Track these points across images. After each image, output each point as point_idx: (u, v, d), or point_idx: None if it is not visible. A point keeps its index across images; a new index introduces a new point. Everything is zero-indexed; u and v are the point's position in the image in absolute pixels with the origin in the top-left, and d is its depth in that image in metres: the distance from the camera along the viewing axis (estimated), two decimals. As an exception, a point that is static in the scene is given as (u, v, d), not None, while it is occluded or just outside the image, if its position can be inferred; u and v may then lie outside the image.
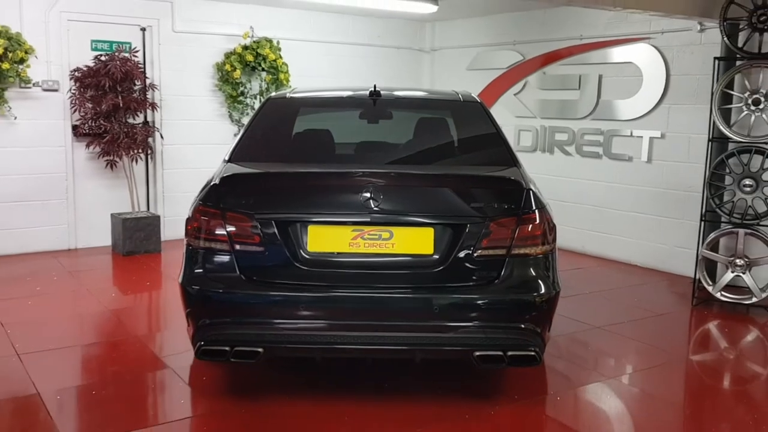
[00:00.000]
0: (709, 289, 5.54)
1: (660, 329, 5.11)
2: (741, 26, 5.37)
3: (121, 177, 7.27)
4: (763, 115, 5.32)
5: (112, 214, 7.22)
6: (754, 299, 5.41)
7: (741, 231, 5.43)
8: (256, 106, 7.85)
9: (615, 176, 7.03)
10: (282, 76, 7.83)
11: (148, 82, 7.14)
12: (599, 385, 4.05)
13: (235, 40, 7.70)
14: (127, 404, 3.71)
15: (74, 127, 7.07)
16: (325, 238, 3.44)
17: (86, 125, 6.93)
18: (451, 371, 4.10)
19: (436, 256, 3.40)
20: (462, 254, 3.38)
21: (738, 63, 5.47)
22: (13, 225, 6.90)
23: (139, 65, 7.00)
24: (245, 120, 7.83)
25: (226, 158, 3.98)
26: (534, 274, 3.45)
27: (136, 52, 7.08)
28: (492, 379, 4.02)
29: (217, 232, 3.46)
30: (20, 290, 5.72)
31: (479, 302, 3.39)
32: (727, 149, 5.52)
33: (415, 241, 3.43)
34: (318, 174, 3.73)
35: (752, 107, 5.33)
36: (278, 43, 7.84)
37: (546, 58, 7.65)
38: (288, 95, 4.60)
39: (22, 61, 6.61)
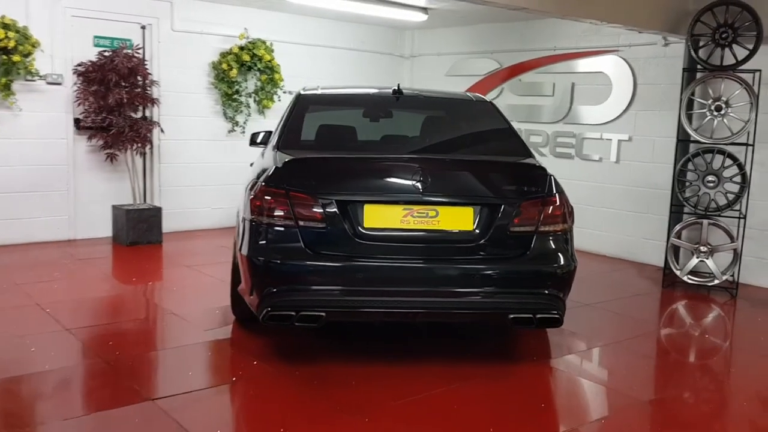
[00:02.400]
0: (677, 273, 6.27)
1: (639, 306, 5.82)
2: (701, 43, 6.10)
3: (120, 170, 7.52)
4: (724, 120, 6.09)
5: (113, 206, 7.47)
6: (716, 281, 6.15)
7: (705, 221, 6.17)
8: (251, 104, 8.25)
9: (586, 175, 7.73)
10: (276, 76, 8.23)
11: (150, 78, 7.42)
12: (600, 348, 4.67)
13: (230, 41, 8.06)
14: (190, 367, 4.10)
15: (76, 121, 7.29)
16: (380, 216, 3.92)
17: (89, 118, 7.16)
18: (471, 336, 4.65)
19: (476, 232, 3.93)
20: (498, 230, 3.92)
21: (702, 74, 6.21)
22: (15, 215, 7.06)
23: (144, 62, 7.29)
24: (239, 117, 8.21)
25: (275, 146, 4.41)
26: (557, 248, 4.02)
27: (139, 49, 7.36)
28: (509, 343, 4.59)
29: (282, 210, 3.88)
30: (39, 275, 5.95)
31: (513, 272, 3.94)
32: (689, 150, 6.28)
33: (458, 218, 3.95)
34: (373, 159, 4.21)
35: (715, 113, 6.09)
36: (271, 44, 8.25)
37: (522, 66, 8.31)
38: (319, 91, 5.07)
39: (28, 54, 6.82)
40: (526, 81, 8.31)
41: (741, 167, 6.01)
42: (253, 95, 8.24)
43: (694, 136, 6.14)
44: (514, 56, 8.38)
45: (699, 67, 6.29)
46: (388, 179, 4.02)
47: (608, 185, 7.57)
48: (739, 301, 6.00)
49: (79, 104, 7.13)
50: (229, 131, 8.27)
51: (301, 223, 3.87)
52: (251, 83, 8.24)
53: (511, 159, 4.38)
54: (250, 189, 4.13)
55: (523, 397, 3.84)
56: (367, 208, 3.90)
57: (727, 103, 6.04)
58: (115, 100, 6.99)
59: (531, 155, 4.51)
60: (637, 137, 7.31)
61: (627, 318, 5.47)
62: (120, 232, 7.36)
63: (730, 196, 6.12)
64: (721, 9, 5.90)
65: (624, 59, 7.36)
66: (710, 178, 6.12)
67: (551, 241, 4.01)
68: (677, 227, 6.34)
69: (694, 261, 6.24)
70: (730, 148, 6.06)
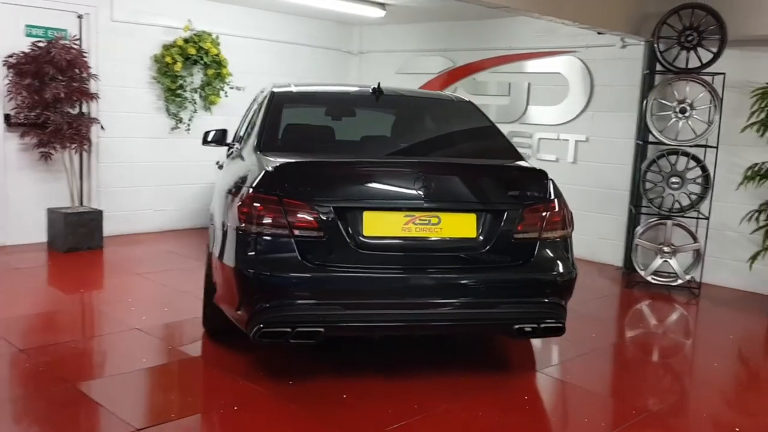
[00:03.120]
0: (642, 273, 6.31)
1: (607, 308, 5.84)
2: (663, 46, 6.16)
3: (55, 170, 6.95)
4: (689, 122, 6.17)
5: (49, 209, 6.90)
6: (679, 281, 6.24)
7: (669, 222, 6.25)
8: (197, 99, 7.80)
9: (542, 175, 7.71)
10: (224, 70, 7.83)
11: (90, 71, 6.88)
12: (586, 355, 4.60)
13: (173, 33, 7.59)
14: (169, 390, 3.75)
15: (6, 117, 6.68)
16: (380, 224, 3.68)
17: (22, 114, 6.57)
18: (463, 348, 4.48)
19: (480, 239, 3.76)
20: (502, 237, 3.76)
21: (667, 76, 6.26)
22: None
23: (83, 53, 6.75)
24: (184, 114, 7.75)
25: (255, 148, 4.10)
26: (560, 255, 3.90)
27: (77, 40, 6.82)
28: (497, 352, 4.45)
29: (274, 219, 3.59)
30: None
31: (518, 280, 3.79)
32: (648, 152, 6.35)
33: (460, 225, 3.77)
34: (372, 163, 3.97)
35: (680, 115, 6.16)
36: (217, 37, 7.83)
37: (476, 65, 8.22)
38: (294, 89, 4.78)
39: (-50, 44, 6.19)
40: (481, 80, 8.23)
41: (704, 169, 6.10)
42: (199, 90, 7.79)
43: (659, 138, 6.19)
44: (469, 55, 8.28)
45: (661, 69, 6.35)
46: (389, 184, 3.79)
47: (565, 185, 7.37)
48: (702, 301, 6.10)
49: (10, 99, 6.53)
50: (173, 128, 7.80)
51: (297, 232, 3.59)
52: (197, 78, 7.79)
53: (508, 162, 4.24)
54: (233, 194, 3.82)
55: (528, 410, 3.71)
56: (366, 215, 3.66)
57: (691, 105, 6.12)
58: (53, 95, 6.43)
59: (521, 157, 4.39)
60: (594, 138, 7.35)
61: (602, 321, 5.45)
62: (57, 238, 6.79)
63: (694, 197, 6.21)
64: (687, 12, 5.96)
65: (581, 60, 7.38)
66: (674, 179, 6.19)
67: (553, 248, 3.89)
68: (640, 228, 6.39)
69: (658, 261, 6.30)
70: (693, 150, 6.15)
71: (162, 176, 7.83)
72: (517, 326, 3.76)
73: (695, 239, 6.22)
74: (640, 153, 6.64)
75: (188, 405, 3.61)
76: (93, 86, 6.98)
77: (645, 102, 6.32)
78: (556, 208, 3.92)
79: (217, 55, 7.74)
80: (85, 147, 6.99)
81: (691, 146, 6.13)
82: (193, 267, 6.50)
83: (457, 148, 4.61)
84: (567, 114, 7.50)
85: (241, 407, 3.50)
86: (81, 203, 7.18)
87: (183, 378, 3.97)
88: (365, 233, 3.65)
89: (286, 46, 8.69)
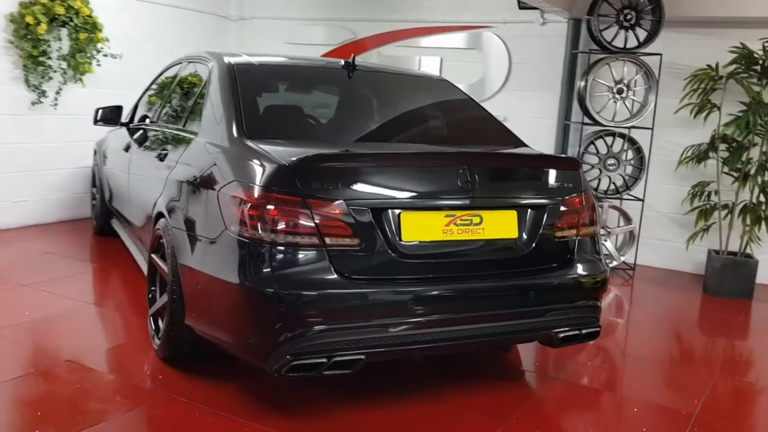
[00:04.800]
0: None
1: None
2: (599, 25, 6.05)
3: None
4: (626, 103, 6.11)
5: None
6: (615, 263, 6.23)
7: (605, 204, 6.19)
8: (65, 67, 6.49)
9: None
10: (98, 35, 6.58)
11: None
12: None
13: (34, -13, 6.23)
14: None
15: None
16: (420, 226, 3.10)
17: None
18: (466, 363, 4.02)
19: (523, 239, 3.30)
20: (544, 236, 3.34)
21: (602, 57, 6.14)
22: None
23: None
24: (48, 86, 6.42)
25: (240, 134, 3.32)
26: (595, 252, 3.55)
27: None
28: (508, 363, 4.05)
29: (300, 224, 2.88)
30: None
31: (563, 283, 3.38)
32: (569, 133, 6.28)
33: (502, 224, 3.28)
34: (409, 155, 3.34)
35: (617, 96, 6.08)
36: (85, -5, 6.56)
37: (381, 38, 7.67)
38: (254, 62, 4.00)
39: None
40: (387, 54, 7.69)
41: (639, 151, 6.10)
42: (68, 58, 6.50)
43: (597, 119, 6.08)
44: (373, 26, 7.70)
45: (591, 49, 6.22)
46: (428, 179, 3.19)
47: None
48: (637, 281, 6.14)
49: None
50: (34, 103, 6.43)
51: (329, 240, 2.90)
52: (65, 43, 6.48)
53: (528, 149, 3.81)
54: (212, 190, 3.07)
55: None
56: (405, 216, 3.06)
57: (628, 86, 6.06)
58: None
59: (523, 142, 3.99)
60: (513, 118, 7.10)
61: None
62: None
63: (629, 179, 6.20)
64: (627, -10, 5.87)
65: (498, 36, 7.11)
66: (611, 161, 6.13)
67: (589, 245, 3.53)
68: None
69: (594, 244, 6.23)
70: (629, 132, 6.12)
71: (21, 161, 6.47)
72: (562, 334, 3.37)
73: (630, 221, 6.23)
74: (566, 134, 6.51)
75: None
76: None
77: (585, 81, 6.18)
78: (591, 201, 3.56)
79: (89, 16, 6.48)
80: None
81: (627, 128, 6.09)
82: (85, 271, 5.53)
83: (463, 133, 4.10)
84: (484, 92, 7.20)
85: None
86: None
87: (168, 426, 3.12)
88: (404, 238, 3.05)
89: (156, 8, 7.51)
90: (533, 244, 3.30)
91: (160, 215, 3.80)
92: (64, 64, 6.50)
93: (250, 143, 3.24)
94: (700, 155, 5.85)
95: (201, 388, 3.36)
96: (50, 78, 6.43)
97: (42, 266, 5.41)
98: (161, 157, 4.06)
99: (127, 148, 4.96)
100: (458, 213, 3.16)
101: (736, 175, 5.77)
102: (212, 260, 3.13)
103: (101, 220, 6.21)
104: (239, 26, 8.53)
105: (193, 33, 7.98)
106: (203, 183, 3.32)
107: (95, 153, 6.45)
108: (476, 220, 3.20)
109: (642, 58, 5.98)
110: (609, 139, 6.18)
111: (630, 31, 5.95)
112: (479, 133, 4.07)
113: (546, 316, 3.33)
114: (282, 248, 2.88)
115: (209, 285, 3.15)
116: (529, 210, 3.34)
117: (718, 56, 5.78)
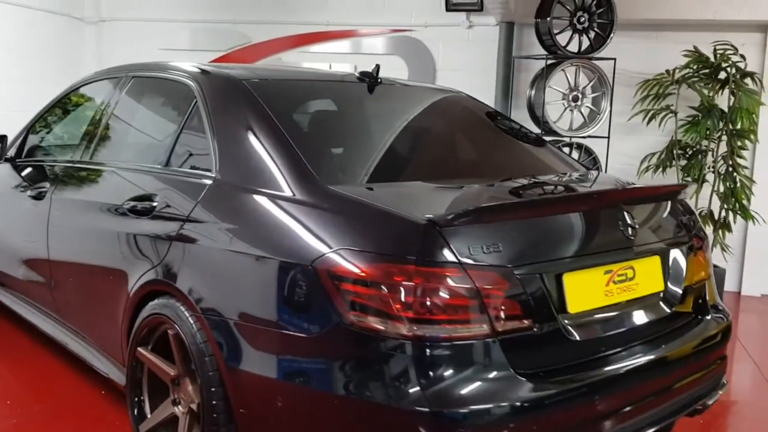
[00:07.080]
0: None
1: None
2: (543, 27, 5.58)
3: None
4: (581, 111, 5.71)
5: None
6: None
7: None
8: None
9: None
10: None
11: None
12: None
13: None
14: None
15: None
16: (583, 290, 2.31)
17: None
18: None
19: (670, 290, 2.65)
20: (688, 284, 2.71)
21: (558, 62, 5.66)
22: None
23: None
24: None
25: (307, 180, 2.33)
26: (717, 295, 3.01)
27: None
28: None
29: (460, 305, 2.00)
30: None
31: (714, 340, 2.77)
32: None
33: (650, 275, 2.59)
34: (568, 199, 2.56)
35: (572, 104, 5.66)
36: None
37: (282, 43, 6.67)
38: (268, 78, 3.01)
39: None
40: (289, 61, 6.70)
41: (596, 161, 5.74)
42: None
43: (556, 129, 5.63)
44: (271, 30, 6.67)
45: (539, 54, 5.75)
46: (588, 227, 2.42)
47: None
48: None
49: None
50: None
51: (499, 325, 2.04)
52: None
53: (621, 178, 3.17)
54: (327, 265, 2.08)
55: None
56: (568, 279, 2.27)
57: (583, 93, 5.67)
58: None
59: (581, 164, 3.40)
60: (442, 130, 6.50)
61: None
62: None
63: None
64: (579, -9, 5.45)
65: (420, 40, 6.44)
66: (567, 172, 5.71)
67: (713, 288, 2.98)
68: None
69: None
70: (583, 141, 5.74)
71: None
72: (710, 401, 2.76)
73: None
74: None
75: None
76: None
77: (534, 89, 5.69)
78: (707, 237, 3.02)
79: None
80: None
81: (582, 137, 5.70)
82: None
83: (539, 162, 3.33)
84: (407, 102, 6.49)
85: None
86: None
87: None
88: (571, 309, 2.26)
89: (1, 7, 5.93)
90: (679, 296, 2.67)
91: (152, 294, 2.66)
92: None
93: (338, 190, 2.27)
94: (660, 163, 5.62)
95: None
96: None
97: None
98: (137, 211, 2.85)
99: (38, 195, 3.57)
100: (615, 267, 2.43)
101: (691, 181, 5.61)
102: (308, 365, 2.13)
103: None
104: (97, 30, 7.02)
105: (41, 39, 6.42)
106: (270, 251, 2.26)
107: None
108: (630, 273, 2.49)
109: (595, 62, 5.62)
110: (566, 150, 5.75)
111: (583, 35, 5.56)
112: (547, 160, 3.36)
113: (704, 383, 2.71)
114: (436, 343, 1.98)
115: (298, 400, 2.14)
116: (670, 253, 2.70)
117: (673, 60, 5.59)
